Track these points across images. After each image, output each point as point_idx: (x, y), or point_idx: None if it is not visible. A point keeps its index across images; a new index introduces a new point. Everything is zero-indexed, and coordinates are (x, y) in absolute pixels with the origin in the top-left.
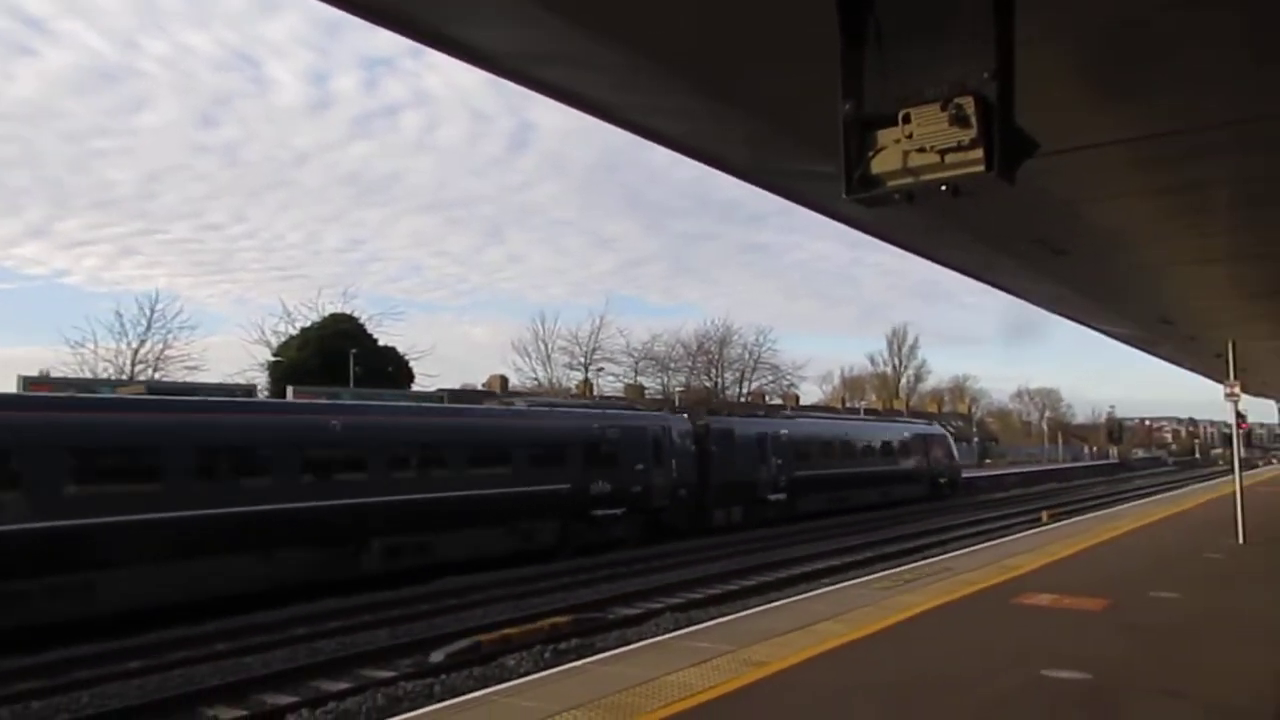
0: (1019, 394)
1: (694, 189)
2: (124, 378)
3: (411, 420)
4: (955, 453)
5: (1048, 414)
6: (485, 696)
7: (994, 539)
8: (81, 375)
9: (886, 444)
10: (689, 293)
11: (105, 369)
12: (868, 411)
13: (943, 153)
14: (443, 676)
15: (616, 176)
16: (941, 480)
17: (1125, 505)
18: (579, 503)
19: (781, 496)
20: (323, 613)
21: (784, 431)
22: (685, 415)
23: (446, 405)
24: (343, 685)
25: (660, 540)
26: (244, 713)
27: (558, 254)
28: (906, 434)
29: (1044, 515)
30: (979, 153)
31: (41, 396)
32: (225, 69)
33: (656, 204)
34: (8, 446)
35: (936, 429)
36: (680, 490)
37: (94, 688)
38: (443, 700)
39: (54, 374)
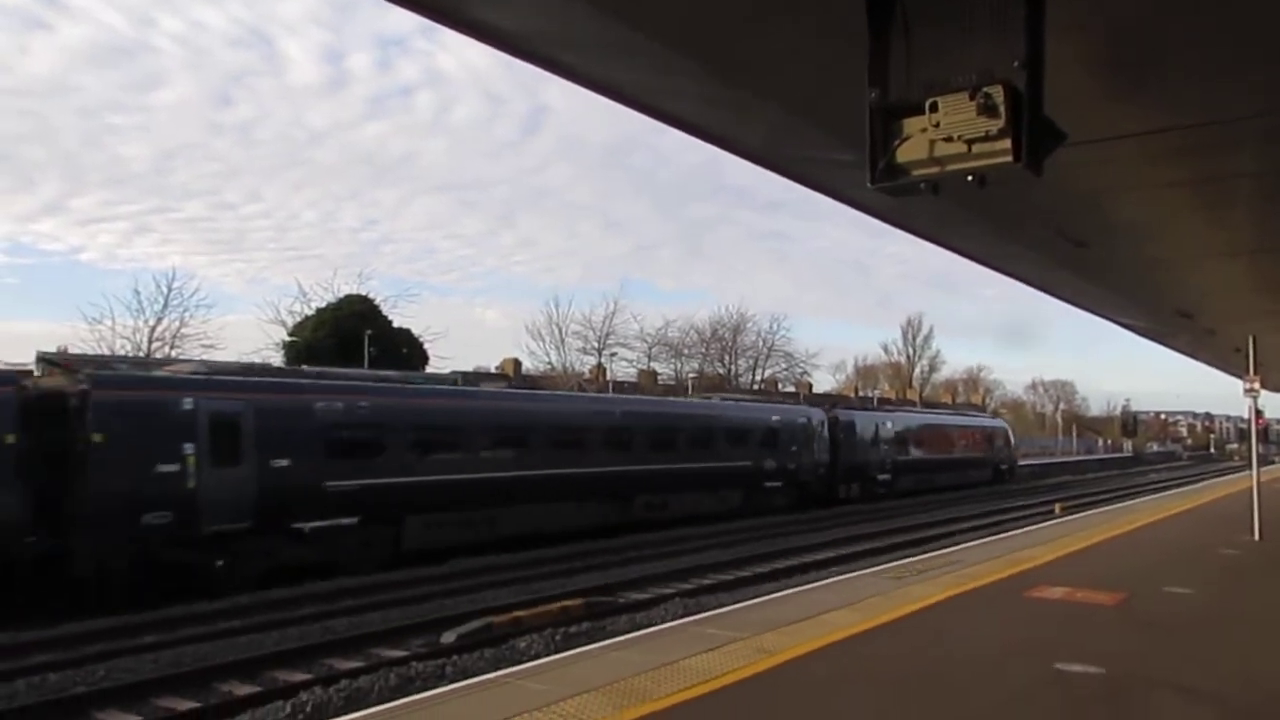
0: (1033, 385)
1: (706, 172)
2: (141, 355)
3: (658, 410)
4: (1013, 443)
5: (1062, 406)
6: (497, 678)
7: (1006, 531)
8: (99, 352)
9: (964, 435)
10: (702, 278)
11: (123, 346)
12: (928, 404)
13: (970, 142)
14: (454, 657)
15: (629, 160)
16: (1003, 467)
17: (1140, 499)
18: (755, 476)
19: (887, 477)
20: (335, 591)
21: (889, 423)
22: (822, 409)
23: (678, 400)
24: (355, 664)
25: (804, 509)
26: (257, 689)
27: (570, 237)
28: (978, 426)
29: (1057, 508)
30: (1007, 143)
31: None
32: (240, 46)
33: (669, 188)
34: (459, 424)
35: (999, 422)
36: (819, 469)
37: (109, 661)
38: (454, 681)
39: (71, 350)
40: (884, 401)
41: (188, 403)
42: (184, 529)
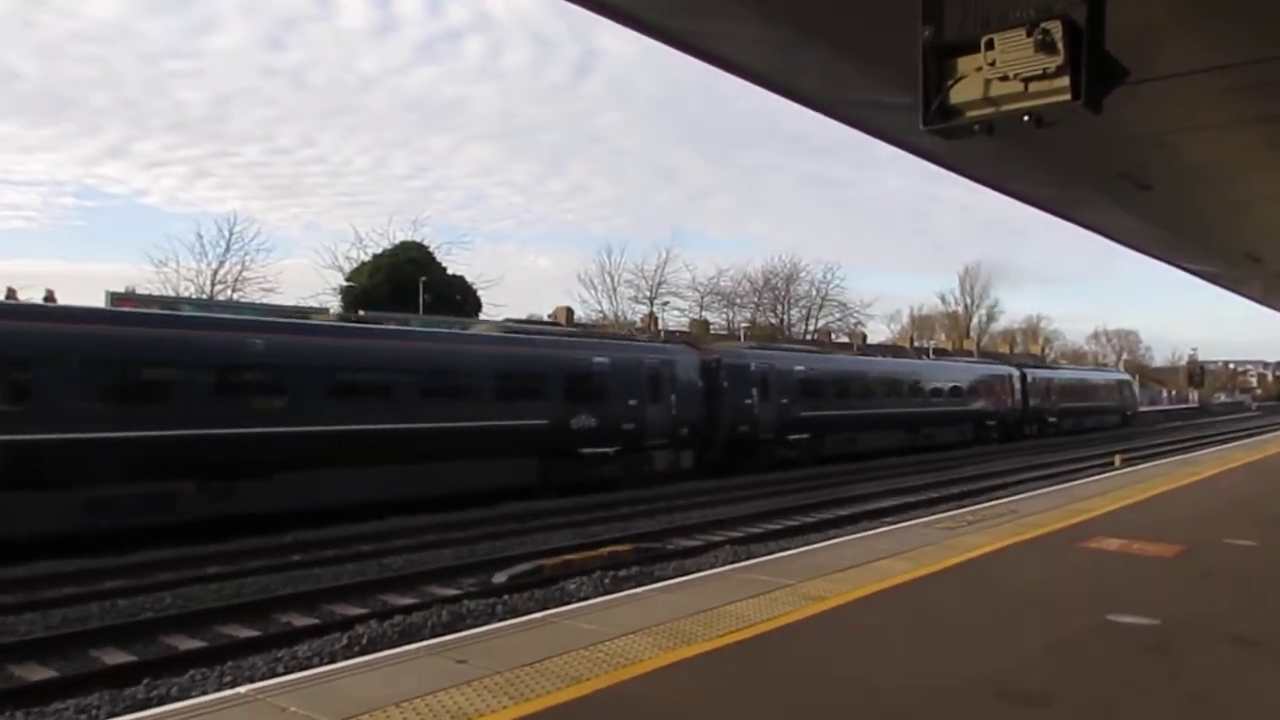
0: (1095, 335)
1: (760, 119)
2: (204, 296)
3: (930, 370)
4: (1136, 393)
5: (1125, 356)
6: (546, 617)
7: (1063, 482)
8: (165, 293)
9: (1097, 387)
10: (754, 227)
11: (187, 288)
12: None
13: (1026, 81)
14: (505, 597)
15: (681, 106)
16: (1129, 413)
17: (1204, 450)
18: (981, 417)
19: (1055, 420)
20: (389, 530)
21: (1057, 378)
22: (1014, 367)
23: (934, 363)
24: (409, 600)
25: (1005, 441)
26: (315, 621)
27: (621, 185)
28: (1113, 379)
29: (1117, 459)
30: (1065, 80)
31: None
32: None
33: (722, 135)
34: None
35: (1126, 375)
36: (1016, 413)
37: (176, 589)
38: (505, 619)
39: (139, 291)
40: (1031, 357)
41: (1040, 375)
42: None
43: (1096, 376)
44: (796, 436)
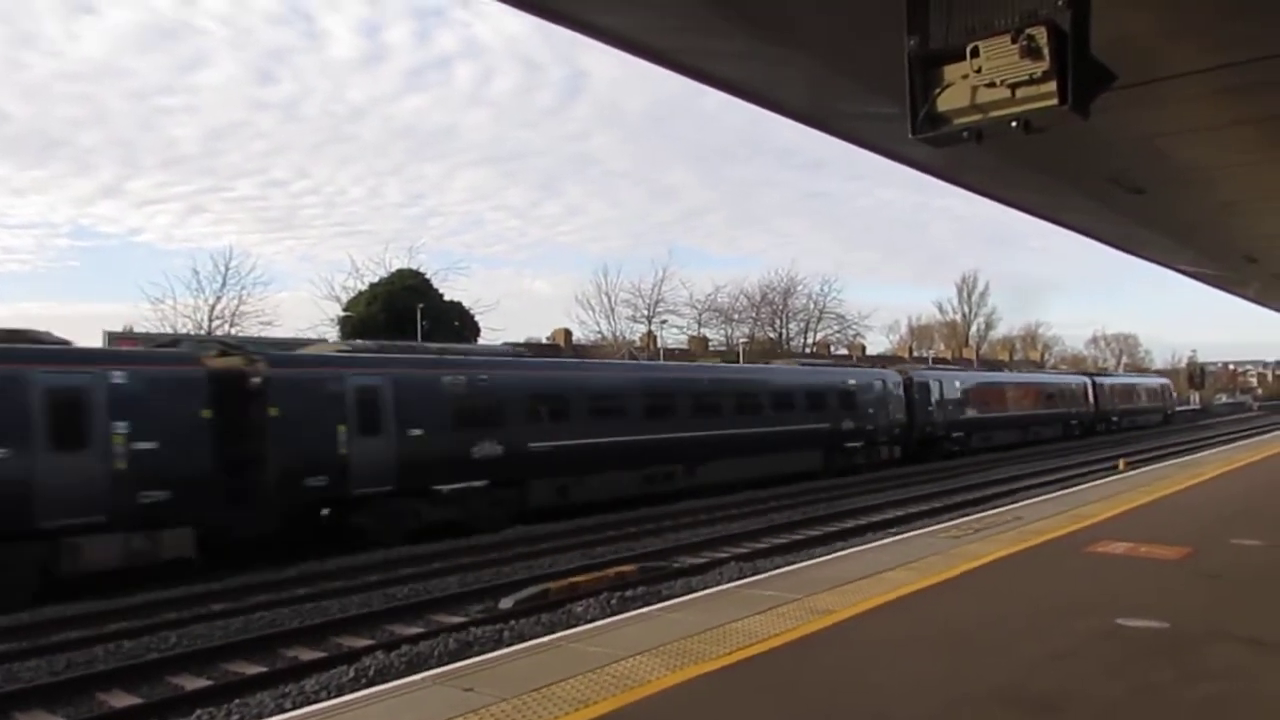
0: (1094, 340)
1: (749, 134)
2: (202, 332)
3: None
4: (1174, 395)
5: (1125, 360)
6: (553, 641)
7: (1066, 488)
8: (162, 330)
9: (1147, 391)
10: (751, 242)
11: (184, 324)
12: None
13: (1013, 87)
14: (512, 622)
15: (670, 124)
16: (1169, 412)
17: (1207, 452)
18: (1067, 419)
19: (1117, 419)
20: (397, 559)
21: (1115, 383)
22: (1087, 375)
23: (1051, 373)
24: (416, 629)
25: (1085, 437)
26: (323, 654)
27: (615, 205)
28: (1155, 384)
29: (1121, 463)
30: (1052, 85)
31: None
32: (280, 23)
33: (712, 151)
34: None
35: (1166, 380)
36: (1088, 415)
37: (181, 628)
38: (512, 645)
39: (136, 329)
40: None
41: (1110, 382)
42: None
43: (1144, 381)
44: (957, 434)
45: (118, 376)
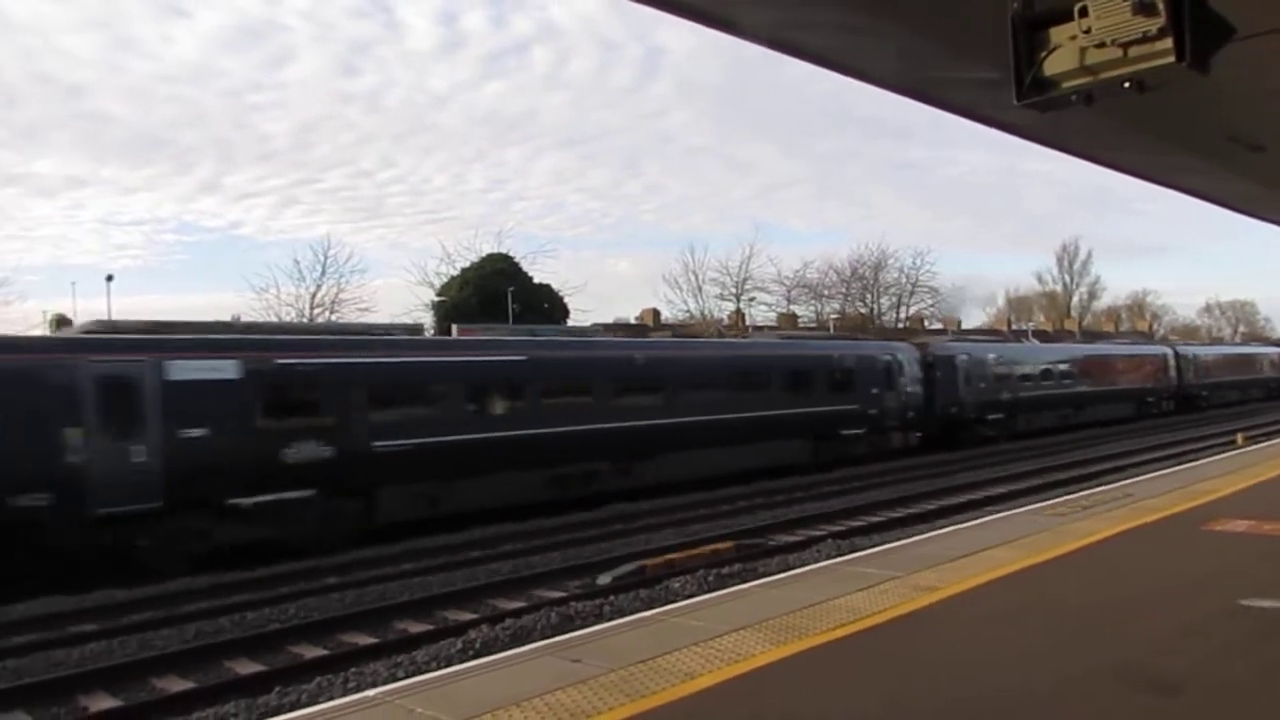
0: (1208, 308)
1: (831, 105)
2: (304, 319)
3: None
4: None
5: (1241, 329)
6: (654, 616)
7: (1181, 464)
8: (267, 319)
9: (1260, 361)
10: (835, 216)
11: (288, 312)
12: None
13: (1125, 45)
14: (611, 597)
15: (748, 98)
16: None
17: None
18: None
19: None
20: (498, 536)
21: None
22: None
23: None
24: (518, 604)
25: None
26: (430, 626)
27: (696, 182)
28: (1268, 353)
29: (1239, 438)
30: (1168, 42)
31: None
32: (360, 16)
33: (793, 124)
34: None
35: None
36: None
37: (298, 600)
38: (612, 619)
39: (244, 319)
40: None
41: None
42: None
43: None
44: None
45: (896, 352)
